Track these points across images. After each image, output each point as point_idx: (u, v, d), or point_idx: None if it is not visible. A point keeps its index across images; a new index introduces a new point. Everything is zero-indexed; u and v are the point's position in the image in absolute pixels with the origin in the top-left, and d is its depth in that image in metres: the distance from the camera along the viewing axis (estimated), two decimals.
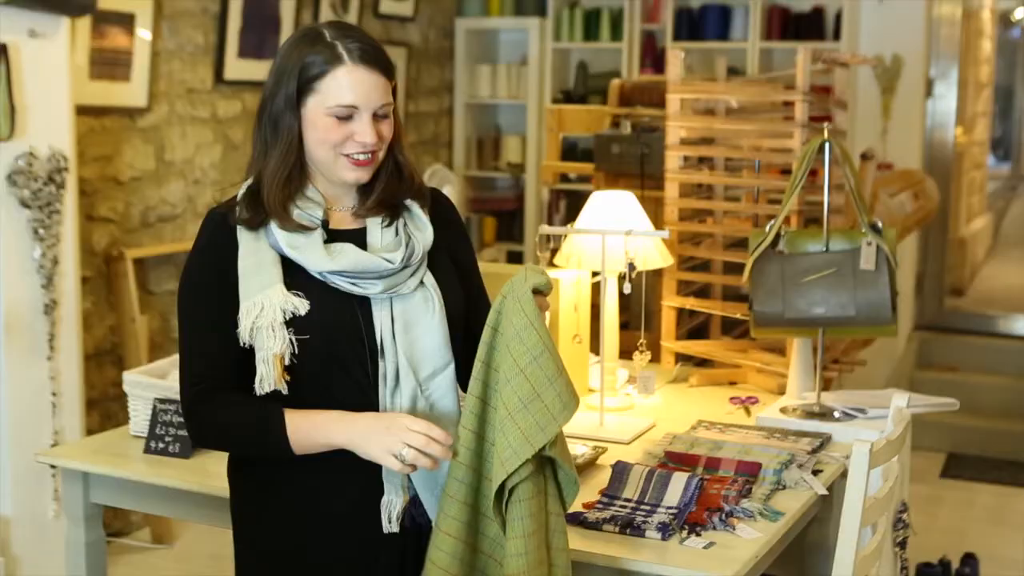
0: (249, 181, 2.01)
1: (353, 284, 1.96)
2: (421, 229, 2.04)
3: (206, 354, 1.98)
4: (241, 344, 1.94)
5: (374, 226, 2.03)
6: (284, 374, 1.93)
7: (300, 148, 1.98)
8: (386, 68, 1.97)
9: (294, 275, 1.96)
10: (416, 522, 2.01)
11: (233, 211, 1.99)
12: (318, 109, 1.94)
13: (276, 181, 1.96)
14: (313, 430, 1.91)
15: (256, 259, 1.95)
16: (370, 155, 1.97)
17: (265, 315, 1.91)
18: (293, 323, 1.93)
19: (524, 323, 1.90)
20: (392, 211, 2.04)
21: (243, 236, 1.97)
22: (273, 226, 1.96)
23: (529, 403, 1.89)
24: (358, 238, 2.01)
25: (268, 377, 1.92)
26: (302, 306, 1.93)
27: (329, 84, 1.93)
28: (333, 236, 2.00)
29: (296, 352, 1.93)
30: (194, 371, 1.98)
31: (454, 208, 2.19)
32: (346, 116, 1.94)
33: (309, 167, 2.01)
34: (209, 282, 1.98)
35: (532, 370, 1.89)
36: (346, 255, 1.95)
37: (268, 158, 1.98)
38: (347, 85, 1.93)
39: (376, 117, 1.96)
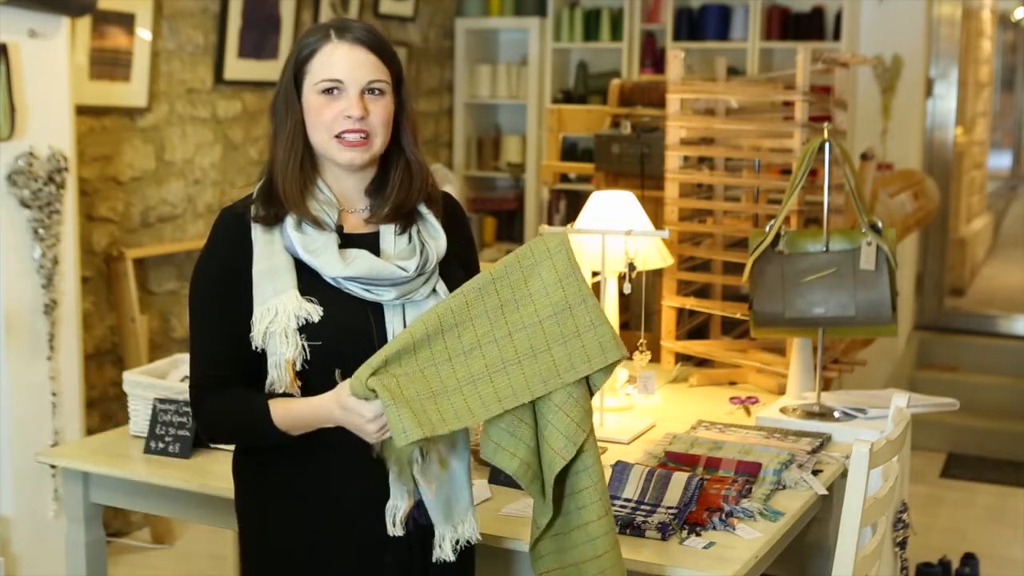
0: (264, 179, 2.03)
1: (366, 290, 1.96)
2: (435, 237, 2.04)
3: (213, 353, 1.99)
4: (254, 348, 1.94)
5: (387, 232, 2.03)
6: (295, 379, 1.93)
7: (306, 135, 1.99)
8: (376, 47, 1.99)
9: (307, 279, 1.96)
10: (419, 524, 2.00)
11: (248, 210, 2.00)
12: (310, 89, 1.98)
13: (289, 169, 1.98)
14: (301, 417, 1.92)
15: (270, 263, 1.95)
16: (361, 135, 1.97)
17: (279, 321, 1.92)
18: (305, 328, 1.93)
19: (554, 279, 1.93)
20: (406, 218, 2.04)
21: (258, 237, 1.97)
22: (288, 228, 1.97)
23: (539, 353, 1.90)
24: (371, 242, 2.01)
25: (280, 381, 1.93)
26: (315, 313, 1.93)
27: (317, 62, 1.97)
28: (346, 240, 2.00)
29: (308, 357, 1.93)
30: (201, 369, 2.00)
31: (465, 215, 2.20)
32: (331, 90, 1.96)
33: (318, 159, 2.02)
34: (219, 282, 1.98)
35: (550, 323, 1.91)
36: (360, 261, 1.95)
37: (277, 147, 2.00)
38: (331, 60, 1.96)
39: (366, 95, 1.97)
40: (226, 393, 1.97)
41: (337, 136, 1.97)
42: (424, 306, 1.99)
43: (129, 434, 2.89)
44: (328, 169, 2.03)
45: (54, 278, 3.73)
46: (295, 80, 1.99)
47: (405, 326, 1.97)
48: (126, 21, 4.43)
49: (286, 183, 1.97)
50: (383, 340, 1.96)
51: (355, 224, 2.04)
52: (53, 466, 3.39)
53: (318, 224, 1.97)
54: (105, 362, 4.46)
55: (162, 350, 4.64)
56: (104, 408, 4.45)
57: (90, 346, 4.32)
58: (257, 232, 1.98)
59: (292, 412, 1.92)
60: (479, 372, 1.89)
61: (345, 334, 1.95)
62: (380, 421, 1.83)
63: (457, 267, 2.09)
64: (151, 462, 2.73)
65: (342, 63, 1.96)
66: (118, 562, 4.26)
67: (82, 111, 4.17)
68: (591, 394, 1.96)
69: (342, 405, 1.86)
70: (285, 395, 1.94)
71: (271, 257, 1.96)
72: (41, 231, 3.67)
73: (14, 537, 3.72)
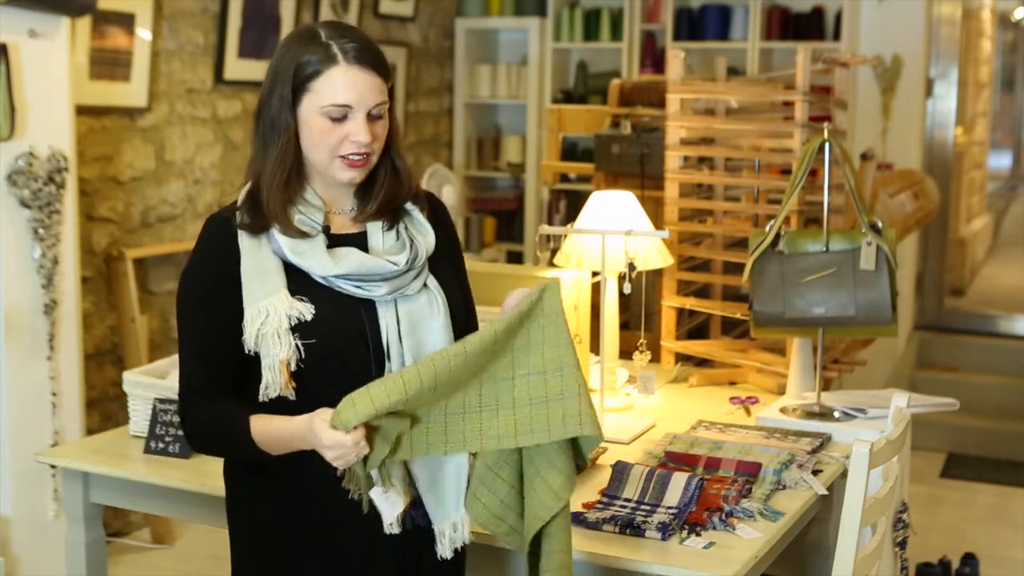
0: (248, 185, 2.01)
1: (358, 287, 1.96)
2: (423, 233, 2.04)
3: (200, 360, 1.98)
4: (247, 351, 1.94)
5: (375, 230, 2.03)
6: (291, 380, 1.92)
7: (297, 149, 1.97)
8: (381, 68, 1.97)
9: (297, 280, 1.95)
10: (416, 524, 2.00)
11: (234, 216, 1.99)
12: (312, 109, 1.94)
13: (275, 184, 1.96)
14: (279, 444, 1.92)
15: (259, 265, 1.95)
16: (364, 156, 1.96)
17: (271, 322, 1.91)
18: (298, 328, 1.92)
19: (539, 338, 1.95)
20: (392, 215, 2.04)
21: (244, 242, 1.96)
22: (275, 232, 1.96)
23: (502, 409, 1.93)
24: (359, 242, 2.01)
25: (275, 383, 1.92)
26: (307, 311, 1.92)
27: (323, 84, 1.93)
28: (334, 241, 1.99)
29: (302, 357, 1.93)
30: (189, 375, 1.99)
31: (448, 213, 2.20)
32: (340, 116, 1.94)
33: (306, 168, 2.01)
34: (207, 287, 1.97)
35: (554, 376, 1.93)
36: (350, 259, 1.95)
37: (265, 160, 1.97)
38: (341, 85, 1.92)
39: (370, 117, 1.96)
40: (213, 404, 1.96)
41: (340, 156, 1.96)
42: (416, 301, 1.99)
43: (129, 434, 2.89)
44: (317, 178, 2.01)
45: (54, 278, 3.73)
46: (292, 94, 1.94)
47: (399, 322, 1.97)
48: (126, 21, 4.43)
49: (271, 199, 1.95)
50: (376, 336, 1.96)
51: (342, 224, 2.04)
52: (53, 466, 3.39)
53: (303, 235, 1.96)
54: (105, 362, 4.46)
55: (162, 350, 4.63)
56: (104, 408, 4.45)
57: (90, 346, 4.32)
58: (243, 237, 1.97)
59: (270, 430, 1.91)
60: (454, 408, 1.92)
61: (339, 332, 1.94)
62: (344, 454, 1.83)
63: (448, 266, 2.09)
64: (151, 462, 2.73)
65: (352, 88, 1.92)
66: (118, 562, 4.26)
67: (82, 111, 4.17)
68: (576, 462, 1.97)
69: (314, 430, 1.85)
70: (279, 398, 1.93)
71: (259, 260, 1.95)
72: (41, 231, 3.67)
73: (14, 537, 3.72)
